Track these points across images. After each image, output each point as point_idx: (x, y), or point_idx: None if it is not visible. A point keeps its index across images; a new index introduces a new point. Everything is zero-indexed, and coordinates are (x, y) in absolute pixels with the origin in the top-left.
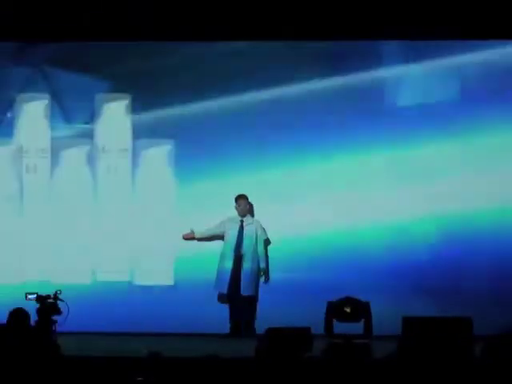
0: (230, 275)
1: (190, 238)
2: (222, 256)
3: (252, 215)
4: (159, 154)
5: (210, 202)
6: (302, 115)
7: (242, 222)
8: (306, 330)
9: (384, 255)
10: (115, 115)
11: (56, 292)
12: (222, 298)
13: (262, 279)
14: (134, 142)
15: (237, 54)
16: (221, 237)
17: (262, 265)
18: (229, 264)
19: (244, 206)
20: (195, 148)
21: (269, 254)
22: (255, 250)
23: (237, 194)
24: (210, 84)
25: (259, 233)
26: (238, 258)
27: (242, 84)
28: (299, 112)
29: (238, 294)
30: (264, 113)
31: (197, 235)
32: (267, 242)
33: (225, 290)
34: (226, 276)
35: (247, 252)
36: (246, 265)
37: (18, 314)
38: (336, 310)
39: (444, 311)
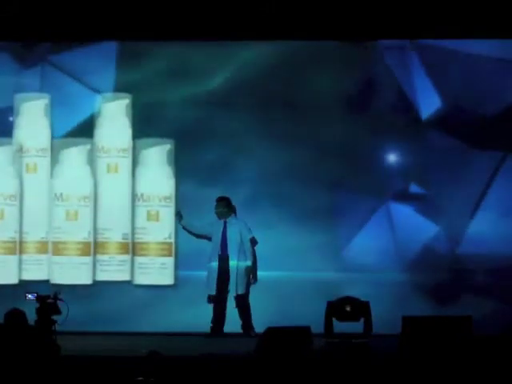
0: (216, 276)
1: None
2: (209, 258)
3: (236, 216)
4: (159, 154)
5: (209, 202)
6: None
7: (225, 223)
8: (306, 329)
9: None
10: (115, 115)
11: (56, 292)
12: (210, 299)
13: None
14: (134, 141)
15: (240, 58)
16: (206, 237)
17: (249, 263)
18: (215, 265)
19: (221, 209)
20: (195, 148)
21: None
22: (241, 251)
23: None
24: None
25: (244, 233)
26: (223, 260)
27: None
28: (301, 112)
29: (225, 294)
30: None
31: (183, 223)
32: (253, 240)
33: (213, 291)
34: (213, 277)
35: (232, 253)
36: (232, 265)
37: (14, 315)
38: (336, 309)
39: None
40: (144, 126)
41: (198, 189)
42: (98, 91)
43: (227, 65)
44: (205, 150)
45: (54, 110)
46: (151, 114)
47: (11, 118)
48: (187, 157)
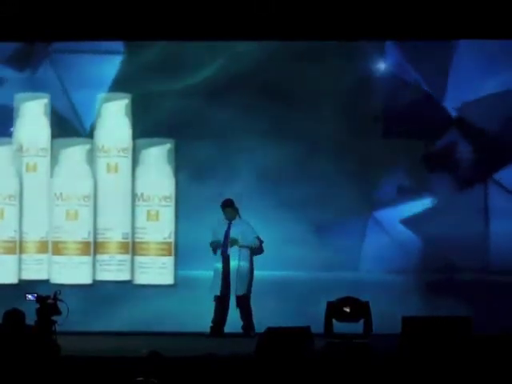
0: (221, 276)
1: None
2: (214, 258)
3: (239, 217)
4: (159, 153)
5: (210, 201)
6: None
7: (229, 224)
8: (306, 329)
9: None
10: (115, 115)
11: (56, 292)
12: (216, 299)
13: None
14: (134, 140)
15: (238, 56)
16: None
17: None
18: (219, 266)
19: (230, 212)
20: (195, 148)
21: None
22: (242, 251)
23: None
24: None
25: (246, 233)
26: (226, 260)
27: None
28: (302, 114)
29: (228, 294)
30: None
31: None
32: (258, 240)
33: (217, 292)
34: (217, 278)
35: (233, 253)
36: (234, 265)
37: (13, 314)
38: (336, 309)
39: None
40: (144, 126)
41: (192, 185)
42: (98, 91)
43: (221, 62)
44: (199, 146)
45: (54, 110)
46: (151, 113)
47: (11, 118)
48: (182, 153)
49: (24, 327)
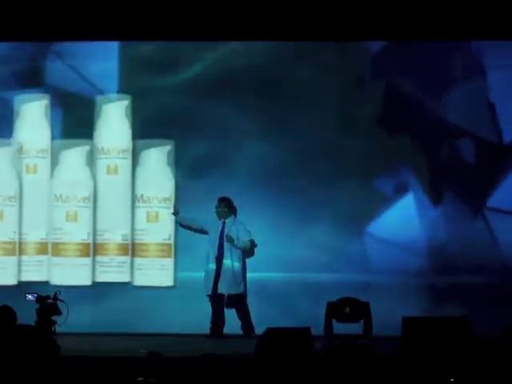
0: (213, 276)
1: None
2: (206, 258)
3: (236, 218)
4: (159, 155)
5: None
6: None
7: (224, 223)
8: (306, 330)
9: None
10: (115, 116)
11: (56, 292)
12: (210, 299)
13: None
14: (134, 142)
15: (236, 54)
16: (203, 231)
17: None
18: (212, 266)
19: (221, 208)
20: (195, 148)
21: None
22: (236, 251)
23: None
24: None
25: (240, 234)
26: (220, 260)
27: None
28: (300, 114)
29: (223, 294)
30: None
31: (178, 219)
32: (250, 243)
33: (209, 291)
34: (210, 278)
35: (227, 252)
36: (227, 265)
37: (3, 312)
38: (336, 310)
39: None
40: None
41: (191, 186)
42: (98, 91)
43: (219, 60)
44: (197, 146)
45: (53, 111)
46: (151, 113)
47: (11, 119)
48: (180, 153)
49: (14, 325)
